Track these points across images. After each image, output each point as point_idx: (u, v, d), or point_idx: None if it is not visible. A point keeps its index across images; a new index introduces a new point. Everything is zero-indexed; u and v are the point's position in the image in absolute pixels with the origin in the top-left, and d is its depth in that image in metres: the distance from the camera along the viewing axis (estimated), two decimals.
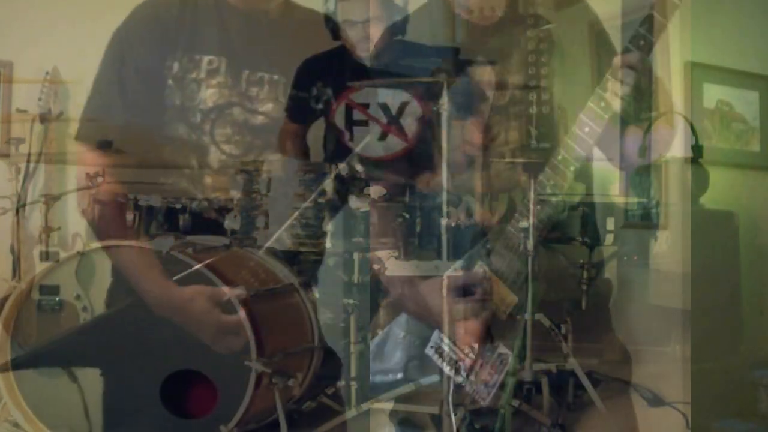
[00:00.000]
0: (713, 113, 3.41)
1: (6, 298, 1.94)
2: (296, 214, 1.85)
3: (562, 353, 1.93)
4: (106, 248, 1.90)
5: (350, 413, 1.91)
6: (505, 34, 2.23)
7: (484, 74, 2.18)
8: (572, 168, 2.00)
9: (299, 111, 2.36)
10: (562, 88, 2.16)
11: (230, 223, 1.96)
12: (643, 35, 1.96)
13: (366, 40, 2.33)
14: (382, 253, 1.94)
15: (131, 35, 2.22)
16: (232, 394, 1.81)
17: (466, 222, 1.88)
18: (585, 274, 1.95)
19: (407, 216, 1.90)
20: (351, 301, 1.99)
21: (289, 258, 2.11)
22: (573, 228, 1.97)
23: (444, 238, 1.78)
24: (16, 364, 1.92)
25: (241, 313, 1.80)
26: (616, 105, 1.96)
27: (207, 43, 2.22)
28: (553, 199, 1.97)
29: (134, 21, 2.22)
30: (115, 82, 2.20)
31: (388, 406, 1.94)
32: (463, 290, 1.88)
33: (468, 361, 1.82)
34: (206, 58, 2.21)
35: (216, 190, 2.10)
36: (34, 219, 2.06)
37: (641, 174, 2.24)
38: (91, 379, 1.92)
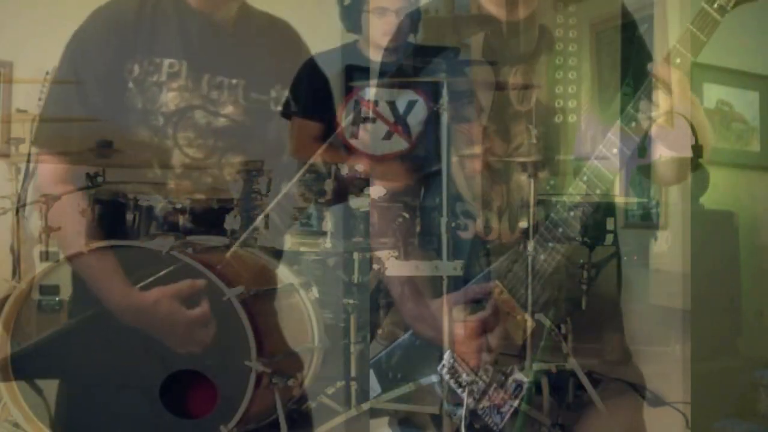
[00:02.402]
0: (713, 113, 3.41)
1: (6, 298, 1.94)
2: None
3: (561, 353, 1.93)
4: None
5: (350, 413, 1.91)
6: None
7: (484, 74, 2.17)
8: (597, 191, 1.89)
9: (321, 108, 2.31)
10: (562, 88, 2.15)
11: (230, 223, 1.96)
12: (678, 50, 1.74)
13: (394, 30, 2.29)
14: (382, 253, 1.93)
15: (89, 37, 2.18)
16: (232, 394, 1.81)
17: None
18: (585, 274, 1.94)
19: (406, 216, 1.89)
20: (351, 301, 1.99)
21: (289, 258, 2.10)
22: (573, 228, 1.96)
23: (444, 238, 1.78)
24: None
25: (241, 313, 1.81)
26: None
27: (167, 46, 2.19)
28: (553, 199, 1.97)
29: (92, 23, 2.19)
30: (73, 85, 2.16)
31: (389, 406, 1.94)
32: (475, 303, 1.88)
33: (481, 384, 1.80)
34: (167, 61, 2.18)
35: (180, 193, 2.07)
36: (34, 219, 2.05)
37: (641, 174, 2.24)
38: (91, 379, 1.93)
